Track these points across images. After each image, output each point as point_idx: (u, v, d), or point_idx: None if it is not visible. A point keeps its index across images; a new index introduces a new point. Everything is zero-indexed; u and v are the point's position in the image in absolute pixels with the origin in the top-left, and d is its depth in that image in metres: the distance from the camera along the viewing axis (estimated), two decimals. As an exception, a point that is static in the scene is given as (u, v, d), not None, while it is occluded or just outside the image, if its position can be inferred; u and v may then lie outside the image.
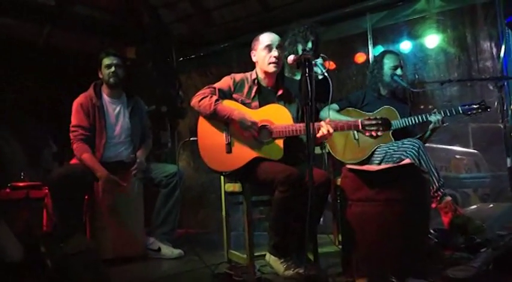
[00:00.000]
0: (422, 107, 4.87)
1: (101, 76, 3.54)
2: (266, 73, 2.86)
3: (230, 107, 2.74)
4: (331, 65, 5.26)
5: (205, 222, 5.08)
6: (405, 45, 4.77)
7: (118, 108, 3.58)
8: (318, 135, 2.59)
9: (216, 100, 2.74)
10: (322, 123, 2.60)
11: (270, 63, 2.80)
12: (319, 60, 3.16)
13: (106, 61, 3.51)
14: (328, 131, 2.59)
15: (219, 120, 2.73)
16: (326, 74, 2.98)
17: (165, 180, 3.45)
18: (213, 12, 5.27)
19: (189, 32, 5.55)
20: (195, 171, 5.57)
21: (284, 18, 4.01)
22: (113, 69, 3.51)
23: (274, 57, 2.78)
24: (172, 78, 5.46)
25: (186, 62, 5.89)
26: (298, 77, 3.24)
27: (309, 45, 3.34)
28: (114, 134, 3.50)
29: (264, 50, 2.81)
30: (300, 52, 3.28)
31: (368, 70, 3.69)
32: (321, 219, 3.03)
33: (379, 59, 3.59)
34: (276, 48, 2.79)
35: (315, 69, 3.22)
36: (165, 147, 5.38)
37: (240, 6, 5.08)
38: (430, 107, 4.79)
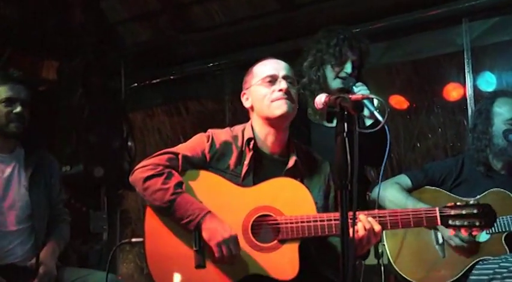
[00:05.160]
0: None
1: None
2: (270, 123, 2.93)
3: (199, 204, 2.76)
4: (401, 103, 5.36)
5: None
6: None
7: (9, 170, 3.62)
8: (356, 237, 2.63)
9: (177, 185, 2.78)
10: (361, 216, 2.67)
11: (273, 101, 2.86)
12: (361, 89, 3.31)
13: (4, 92, 3.56)
14: (370, 229, 2.65)
15: (176, 220, 2.77)
16: (379, 117, 3.12)
17: (88, 300, 3.48)
18: (193, 7, 5.40)
19: (152, 41, 5.67)
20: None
21: (318, 23, 4.07)
22: (18, 109, 3.56)
23: (280, 90, 2.86)
24: (117, 118, 5.46)
25: (145, 90, 5.95)
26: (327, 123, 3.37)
27: (348, 68, 3.46)
28: (0, 216, 3.51)
29: (262, 86, 2.90)
30: (332, 83, 3.47)
31: (469, 125, 3.80)
32: None
33: (485, 107, 3.64)
34: (284, 78, 2.90)
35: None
36: (96, 240, 5.32)
37: (242, 0, 5.27)
38: None
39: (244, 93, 2.98)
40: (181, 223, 2.72)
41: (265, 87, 2.87)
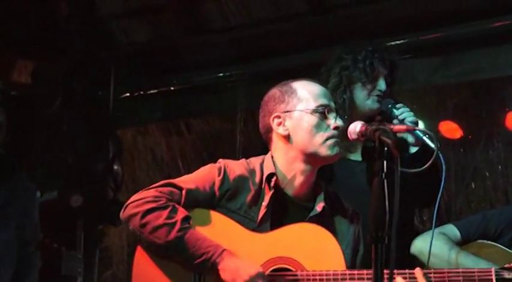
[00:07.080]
0: None
1: None
2: (310, 161, 2.90)
3: (212, 241, 2.76)
4: (453, 132, 5.19)
5: None
6: None
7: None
8: None
9: (185, 219, 2.77)
10: (398, 279, 2.65)
11: (328, 138, 2.84)
12: (404, 111, 3.37)
13: None
14: None
15: (182, 262, 2.78)
16: (431, 144, 3.12)
17: None
18: (205, 3, 5.24)
19: (151, 41, 5.53)
20: None
21: (354, 30, 4.22)
22: None
23: (337, 128, 2.85)
24: (103, 135, 5.28)
25: (138, 102, 5.82)
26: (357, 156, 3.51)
27: (381, 85, 3.48)
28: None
29: (315, 116, 2.88)
30: (364, 104, 3.49)
31: None
32: None
33: None
34: (336, 113, 2.93)
35: (405, 136, 3.46)
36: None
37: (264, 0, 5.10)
38: None
39: (277, 116, 2.91)
40: (193, 263, 2.73)
41: (318, 119, 2.87)
